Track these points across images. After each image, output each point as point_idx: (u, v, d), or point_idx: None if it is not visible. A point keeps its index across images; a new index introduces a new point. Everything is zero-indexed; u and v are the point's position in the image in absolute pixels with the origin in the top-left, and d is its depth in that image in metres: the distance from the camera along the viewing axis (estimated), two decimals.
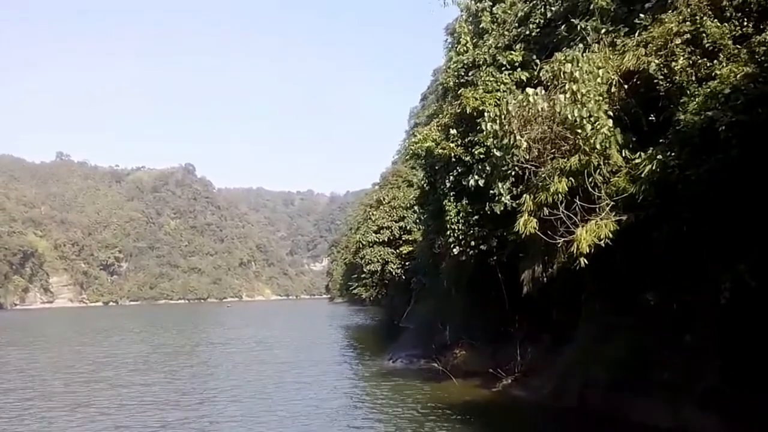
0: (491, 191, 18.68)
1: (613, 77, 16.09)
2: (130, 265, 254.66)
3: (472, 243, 22.68)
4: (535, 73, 21.57)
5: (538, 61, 21.77)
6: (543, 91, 16.19)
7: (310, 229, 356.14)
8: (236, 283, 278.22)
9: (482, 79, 21.97)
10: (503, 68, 21.98)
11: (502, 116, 16.48)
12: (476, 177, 17.75)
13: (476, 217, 22.66)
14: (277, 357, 36.78)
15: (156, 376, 29.82)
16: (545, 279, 19.06)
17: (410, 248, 51.26)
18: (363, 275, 64.50)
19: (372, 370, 29.34)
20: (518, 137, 16.10)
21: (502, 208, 17.48)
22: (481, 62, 22.70)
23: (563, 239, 16.38)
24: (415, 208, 52.75)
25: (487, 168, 17.50)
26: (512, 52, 21.95)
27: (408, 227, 51.66)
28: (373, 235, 53.16)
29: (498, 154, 16.40)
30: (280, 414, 20.02)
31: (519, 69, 21.79)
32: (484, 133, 16.96)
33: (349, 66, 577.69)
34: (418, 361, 28.74)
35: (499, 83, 21.71)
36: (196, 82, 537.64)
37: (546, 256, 19.00)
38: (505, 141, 16.48)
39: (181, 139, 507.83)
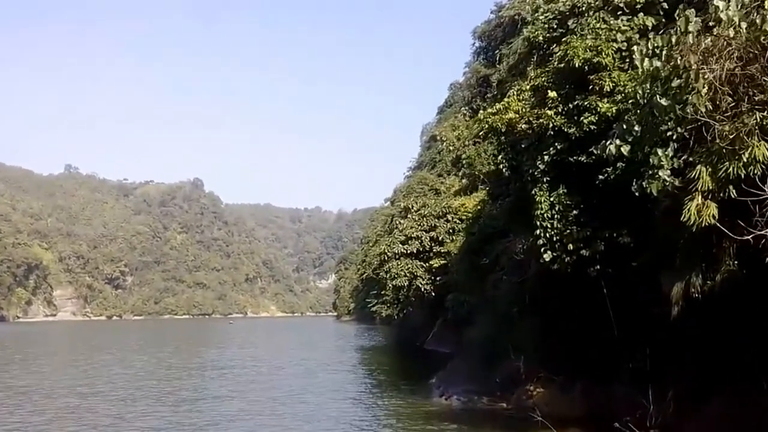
0: (631, 161, 12.96)
1: None
2: (135, 280, 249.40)
3: (570, 247, 17.02)
4: (663, 19, 16.14)
5: (665, 4, 16.35)
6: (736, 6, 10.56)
7: (317, 246, 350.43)
8: (241, 299, 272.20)
9: (590, 26, 16.44)
10: (619, 12, 16.44)
11: (669, 46, 10.88)
12: (617, 142, 12.13)
13: (576, 211, 17.06)
14: (290, 387, 30.61)
15: (147, 407, 24.10)
16: (700, 295, 13.39)
17: (442, 261, 45.49)
18: (384, 292, 58.58)
19: (419, 409, 23.04)
20: (699, 77, 10.46)
21: (660, 187, 11.83)
22: (583, 7, 17.20)
23: (757, 233, 10.74)
24: (448, 216, 47.35)
25: (635, 128, 11.92)
26: None
27: (440, 238, 45.84)
28: (401, 246, 47.24)
29: (664, 102, 10.79)
30: None
31: (641, 13, 16.25)
32: (640, 72, 11.30)
33: (355, 85, 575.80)
34: (479, 399, 22.63)
35: (614, 31, 16.15)
36: (210, 98, 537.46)
37: (704, 262, 13.35)
38: (676, 83, 10.83)
39: (190, 154, 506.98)
